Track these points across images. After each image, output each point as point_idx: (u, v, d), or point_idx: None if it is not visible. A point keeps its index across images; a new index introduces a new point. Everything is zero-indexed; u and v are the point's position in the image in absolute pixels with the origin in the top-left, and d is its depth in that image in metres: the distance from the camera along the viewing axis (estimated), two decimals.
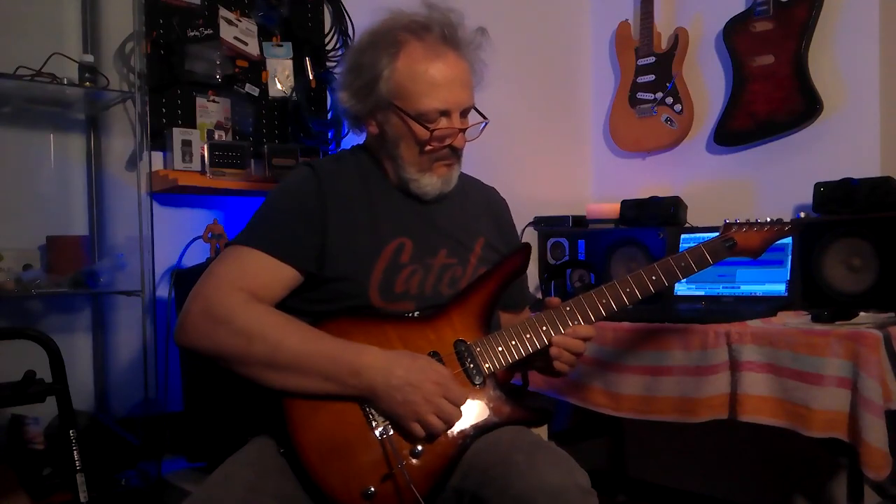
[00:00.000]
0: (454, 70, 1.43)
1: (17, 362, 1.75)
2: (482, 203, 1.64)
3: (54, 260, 2.13)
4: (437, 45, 1.43)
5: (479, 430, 1.35)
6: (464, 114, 1.48)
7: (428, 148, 1.45)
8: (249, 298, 1.34)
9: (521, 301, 1.68)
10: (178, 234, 2.35)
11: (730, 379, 1.94)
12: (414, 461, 1.30)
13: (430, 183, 1.48)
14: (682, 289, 2.49)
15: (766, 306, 2.19)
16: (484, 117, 1.51)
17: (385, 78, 1.43)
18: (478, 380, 1.38)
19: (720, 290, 2.40)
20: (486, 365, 1.39)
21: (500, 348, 1.41)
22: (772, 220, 1.74)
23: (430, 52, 1.42)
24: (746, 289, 2.35)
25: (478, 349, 1.40)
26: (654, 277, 1.54)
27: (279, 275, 1.39)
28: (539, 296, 2.80)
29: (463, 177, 1.63)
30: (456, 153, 1.49)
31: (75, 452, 1.78)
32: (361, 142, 1.60)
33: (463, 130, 1.47)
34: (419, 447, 1.30)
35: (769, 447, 2.62)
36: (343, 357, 1.30)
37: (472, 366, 1.38)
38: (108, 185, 2.32)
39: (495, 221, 1.64)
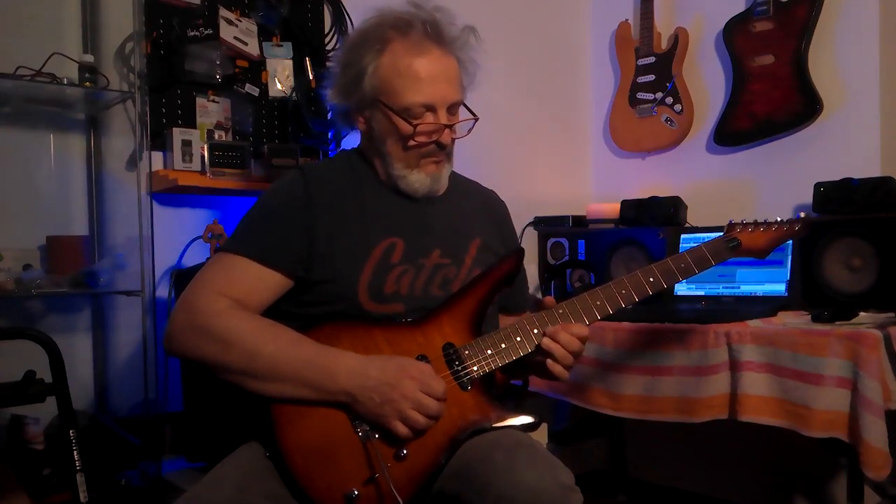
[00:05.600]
0: (438, 65, 1.43)
1: (17, 362, 1.74)
2: (480, 205, 1.63)
3: (54, 260, 2.13)
4: (420, 41, 1.43)
5: (466, 434, 1.33)
6: (451, 110, 1.46)
7: (412, 143, 1.44)
8: (232, 305, 1.34)
9: (522, 304, 1.66)
10: (178, 234, 2.34)
11: (730, 379, 1.94)
12: (398, 465, 1.29)
13: (418, 180, 1.47)
14: (682, 289, 2.49)
15: (766, 306, 2.19)
16: (474, 115, 1.51)
17: (370, 74, 1.43)
18: (467, 383, 1.37)
19: (720, 290, 2.40)
20: (475, 368, 1.38)
21: (489, 351, 1.39)
22: (781, 219, 1.69)
23: (414, 48, 1.42)
24: (746, 289, 2.35)
25: (466, 352, 1.39)
26: (651, 279, 1.50)
27: (265, 281, 1.39)
28: (539, 296, 2.80)
29: (461, 178, 1.63)
30: (444, 150, 1.48)
31: (75, 452, 1.77)
32: (357, 143, 1.59)
33: (449, 127, 1.46)
34: (404, 451, 1.29)
35: (769, 447, 2.62)
36: (319, 362, 1.30)
37: (460, 369, 1.37)
38: (108, 185, 2.31)
39: (494, 224, 1.63)
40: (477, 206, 1.62)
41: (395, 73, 1.42)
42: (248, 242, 1.40)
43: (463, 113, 1.50)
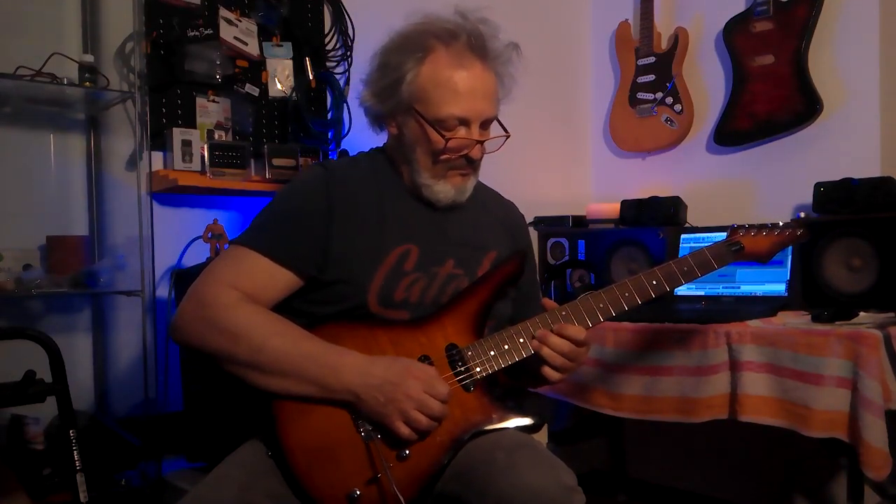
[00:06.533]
0: (478, 80, 1.43)
1: (17, 362, 1.74)
2: (499, 217, 1.62)
3: (54, 260, 2.13)
4: (463, 54, 1.42)
5: (469, 435, 1.33)
6: (484, 125, 1.46)
7: (443, 157, 1.44)
8: (242, 298, 1.34)
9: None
10: (178, 234, 2.34)
11: (730, 379, 1.94)
12: (400, 465, 1.29)
13: (442, 190, 1.47)
14: (682, 289, 2.48)
15: (766, 306, 2.19)
16: (506, 131, 1.50)
17: (408, 81, 1.42)
18: (470, 385, 1.37)
19: (720, 290, 2.40)
20: (478, 369, 1.38)
21: (491, 353, 1.39)
22: (783, 223, 1.69)
23: (455, 60, 1.41)
24: (746, 289, 2.35)
25: (469, 353, 1.39)
26: (654, 282, 1.49)
27: (276, 278, 1.39)
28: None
29: (483, 188, 1.62)
30: (472, 164, 1.48)
31: (75, 452, 1.77)
32: (381, 144, 1.59)
33: (480, 142, 1.46)
34: (406, 451, 1.29)
35: (769, 447, 2.62)
36: (324, 359, 1.31)
37: (463, 370, 1.37)
38: (108, 185, 2.31)
39: (510, 237, 1.61)
40: (496, 218, 1.61)
41: (434, 84, 1.41)
42: (263, 238, 1.40)
43: (495, 129, 1.50)
